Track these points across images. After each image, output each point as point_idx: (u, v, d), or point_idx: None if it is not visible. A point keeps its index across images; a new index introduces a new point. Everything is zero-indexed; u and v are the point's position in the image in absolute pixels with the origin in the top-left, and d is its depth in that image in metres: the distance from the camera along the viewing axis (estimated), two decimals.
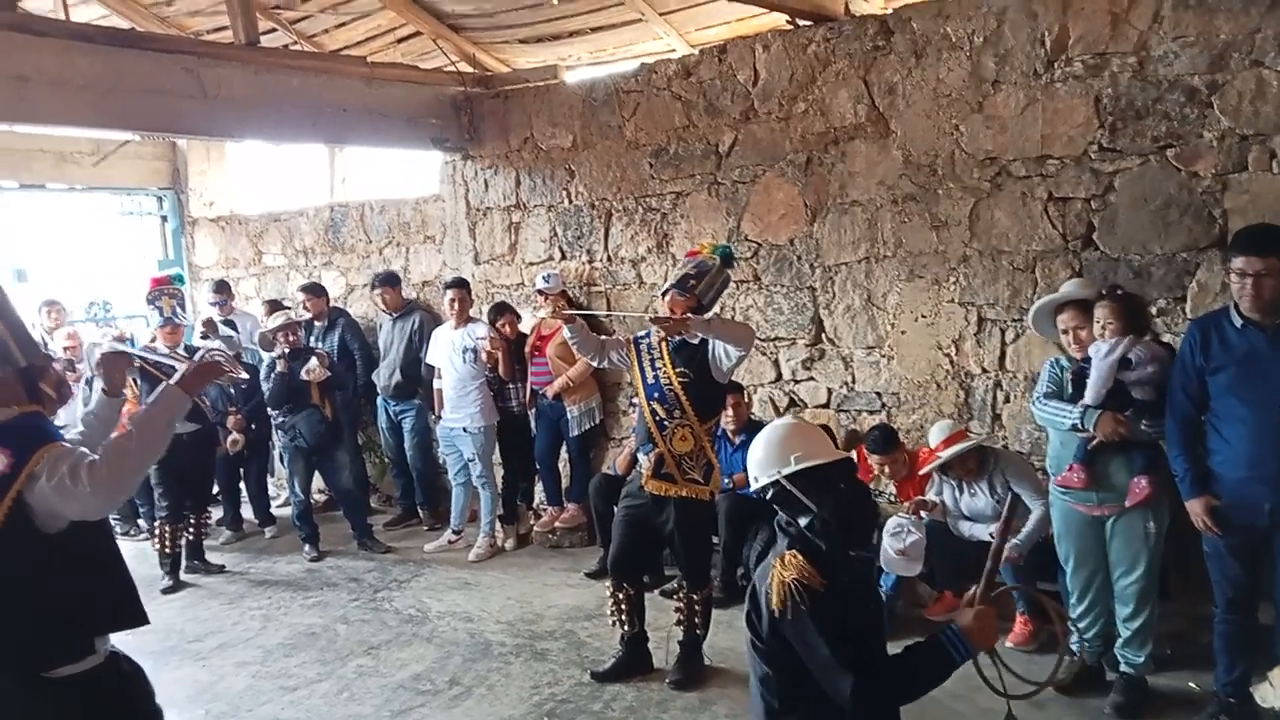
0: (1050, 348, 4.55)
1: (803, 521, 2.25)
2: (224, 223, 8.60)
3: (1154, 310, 4.16)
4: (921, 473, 4.66)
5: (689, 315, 3.96)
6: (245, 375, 5.96)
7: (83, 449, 2.34)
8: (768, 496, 2.34)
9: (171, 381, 2.43)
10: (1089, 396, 3.68)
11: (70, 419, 3.86)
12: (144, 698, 2.52)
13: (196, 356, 2.62)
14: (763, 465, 2.35)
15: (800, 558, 2.17)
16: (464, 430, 6.14)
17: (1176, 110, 4.17)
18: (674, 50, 6.06)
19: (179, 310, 5.94)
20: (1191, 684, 3.84)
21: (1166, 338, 4.10)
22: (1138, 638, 3.72)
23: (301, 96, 5.72)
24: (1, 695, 2.36)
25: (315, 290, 7.09)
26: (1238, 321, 3.30)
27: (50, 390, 2.48)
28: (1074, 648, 3.91)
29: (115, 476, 2.24)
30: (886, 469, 4.76)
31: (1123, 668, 3.77)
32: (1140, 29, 4.21)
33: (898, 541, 3.97)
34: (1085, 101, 4.38)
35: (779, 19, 5.48)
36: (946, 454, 4.40)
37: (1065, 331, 3.84)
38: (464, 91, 6.54)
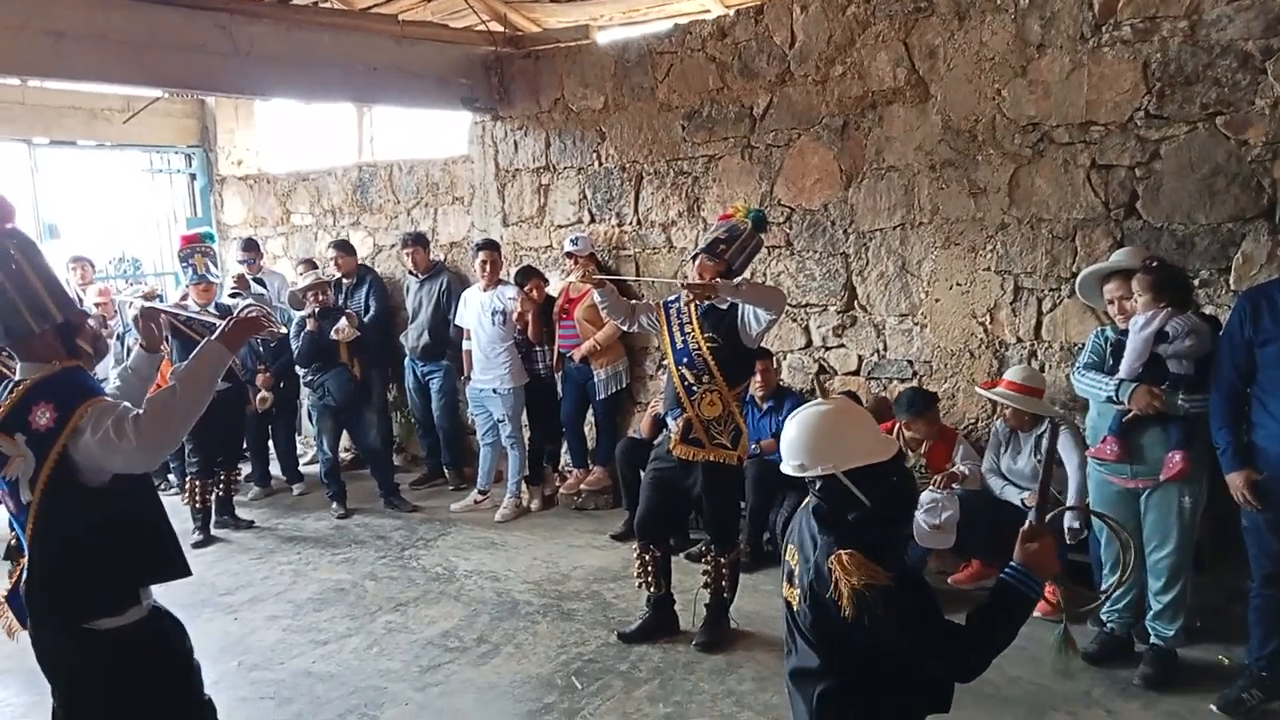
0: (1088, 319, 4.51)
1: (851, 515, 2.16)
2: (252, 181, 8.60)
3: (1196, 282, 4.09)
4: (977, 391, 4.65)
5: (717, 280, 3.93)
6: (284, 330, 6.05)
7: (126, 403, 2.35)
8: (816, 487, 2.23)
9: (213, 337, 2.43)
10: (1123, 369, 3.64)
11: (103, 374, 3.89)
12: (184, 651, 2.55)
13: (236, 313, 2.61)
14: (812, 455, 2.21)
15: (860, 556, 2.06)
16: (493, 391, 6.16)
17: (1228, 77, 4.07)
18: (708, 10, 5.99)
19: (211, 268, 5.97)
20: (1222, 657, 3.82)
21: (1208, 309, 4.03)
22: (1169, 611, 3.70)
23: (332, 55, 5.68)
24: (48, 647, 2.41)
25: (346, 248, 7.13)
26: None
27: (87, 345, 2.48)
28: (1103, 618, 3.90)
29: (160, 430, 2.25)
30: (913, 432, 4.69)
31: (1153, 639, 3.75)
32: None
33: (932, 517, 3.95)
34: (1133, 67, 4.28)
35: None
36: (997, 393, 4.34)
37: (1111, 301, 3.79)
38: (494, 51, 6.49)
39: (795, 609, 2.26)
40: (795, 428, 2.27)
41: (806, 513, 2.30)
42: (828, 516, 2.20)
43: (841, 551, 2.08)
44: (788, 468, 2.28)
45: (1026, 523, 2.20)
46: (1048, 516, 2.23)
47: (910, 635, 2.07)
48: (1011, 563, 2.13)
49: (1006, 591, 2.11)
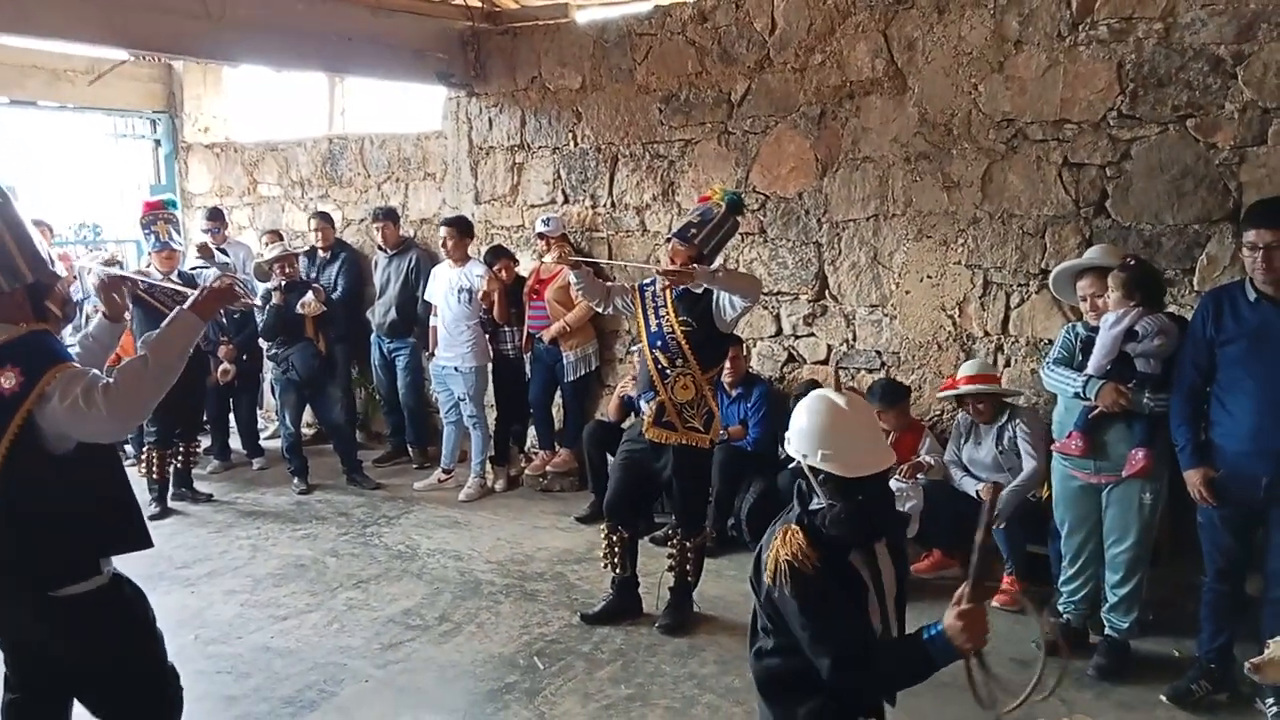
0: (1054, 314, 4.57)
1: (813, 505, 2.21)
2: (219, 150, 8.44)
3: None
4: (940, 396, 4.71)
5: (694, 266, 3.93)
6: (259, 301, 5.95)
7: (95, 371, 2.29)
8: (791, 465, 2.29)
9: (184, 307, 2.37)
10: (1091, 366, 3.69)
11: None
12: (146, 620, 2.51)
13: (209, 281, 2.55)
14: (798, 436, 2.24)
15: (801, 535, 2.13)
16: (455, 370, 6.11)
17: (1199, 80, 4.13)
18: None
19: (174, 235, 5.85)
20: (1174, 650, 3.90)
21: (1172, 308, 4.09)
22: (1124, 603, 3.77)
23: (307, 22, 5.58)
24: (9, 613, 2.36)
25: (327, 219, 7.06)
26: (1251, 295, 3.30)
27: (56, 309, 2.42)
28: (1060, 609, 3.97)
29: (131, 400, 2.20)
30: (884, 423, 4.73)
31: (1107, 631, 3.82)
32: None
33: (896, 505, 3.98)
34: (1108, 66, 4.33)
35: None
36: (966, 388, 4.43)
37: (1084, 298, 3.84)
38: (471, 26, 6.41)
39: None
40: (799, 406, 2.31)
41: None
42: (798, 492, 2.26)
43: (793, 526, 2.16)
44: (785, 444, 2.34)
45: (960, 588, 2.09)
46: (984, 582, 2.13)
47: (806, 623, 2.11)
48: (936, 624, 2.06)
49: (916, 646, 2.08)
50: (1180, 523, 3.91)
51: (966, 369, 4.56)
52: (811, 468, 2.19)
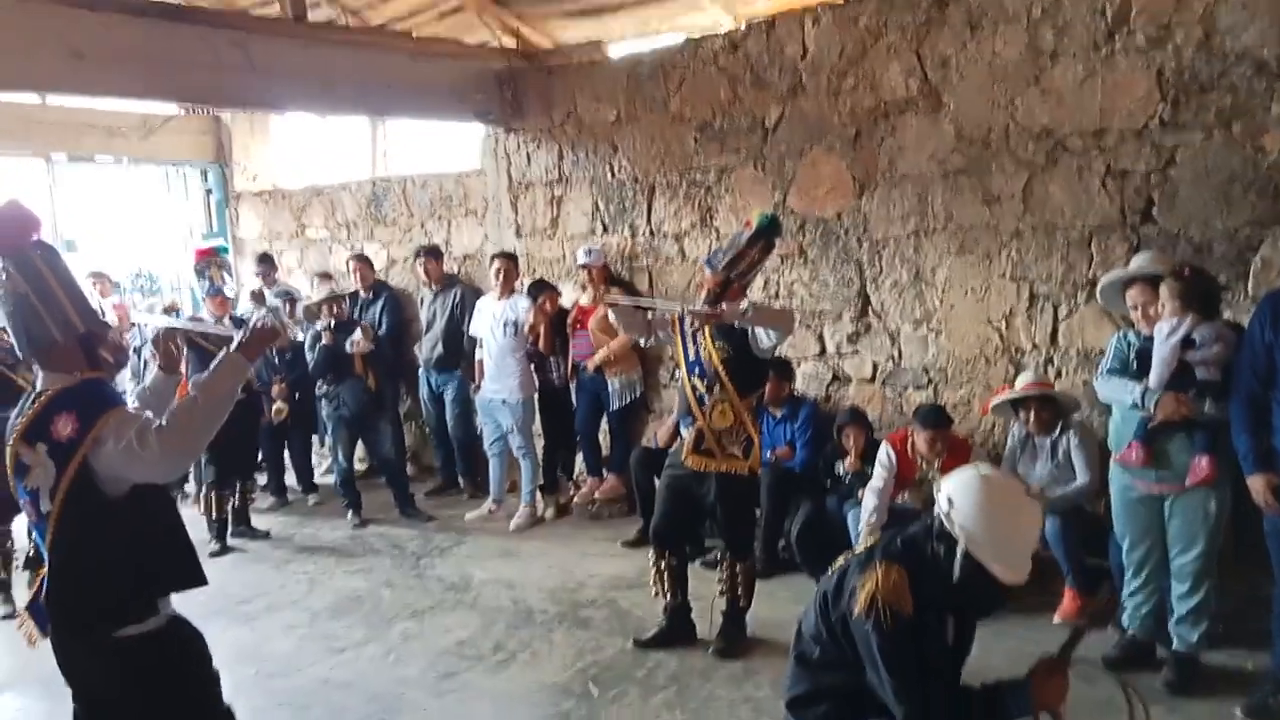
0: (1104, 325, 4.51)
1: (941, 554, 2.19)
2: (267, 196, 8.67)
3: None
4: (994, 402, 4.61)
5: (722, 307, 3.94)
6: (301, 337, 6.09)
7: (148, 413, 2.36)
8: (935, 525, 2.24)
9: (231, 348, 2.45)
10: (1152, 380, 3.61)
11: (120, 388, 3.91)
12: (203, 659, 2.55)
13: (254, 322, 2.63)
14: (963, 517, 2.18)
15: (904, 577, 2.12)
16: (502, 402, 6.17)
17: (1243, 84, 4.08)
18: (720, 24, 6.02)
19: (227, 280, 6.03)
20: (1248, 664, 3.78)
21: (1226, 314, 4.01)
22: (1191, 616, 3.67)
23: (347, 70, 5.74)
24: (68, 655, 2.42)
25: (365, 260, 7.22)
26: None
27: (109, 356, 2.50)
28: (1125, 623, 3.88)
29: (182, 440, 2.27)
30: (936, 445, 4.68)
31: (1175, 645, 3.72)
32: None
33: None
34: (1147, 74, 4.30)
35: None
36: (1020, 391, 4.37)
37: (1134, 307, 3.78)
38: (508, 66, 6.55)
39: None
40: (988, 486, 2.24)
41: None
42: (917, 542, 2.23)
43: (894, 565, 2.14)
44: (942, 504, 2.25)
45: (1055, 656, 2.24)
46: (1070, 655, 2.26)
47: (884, 662, 2.11)
48: (1022, 679, 2.17)
49: (998, 694, 2.15)
50: (1243, 531, 3.81)
51: (1025, 378, 4.51)
52: (966, 552, 2.15)
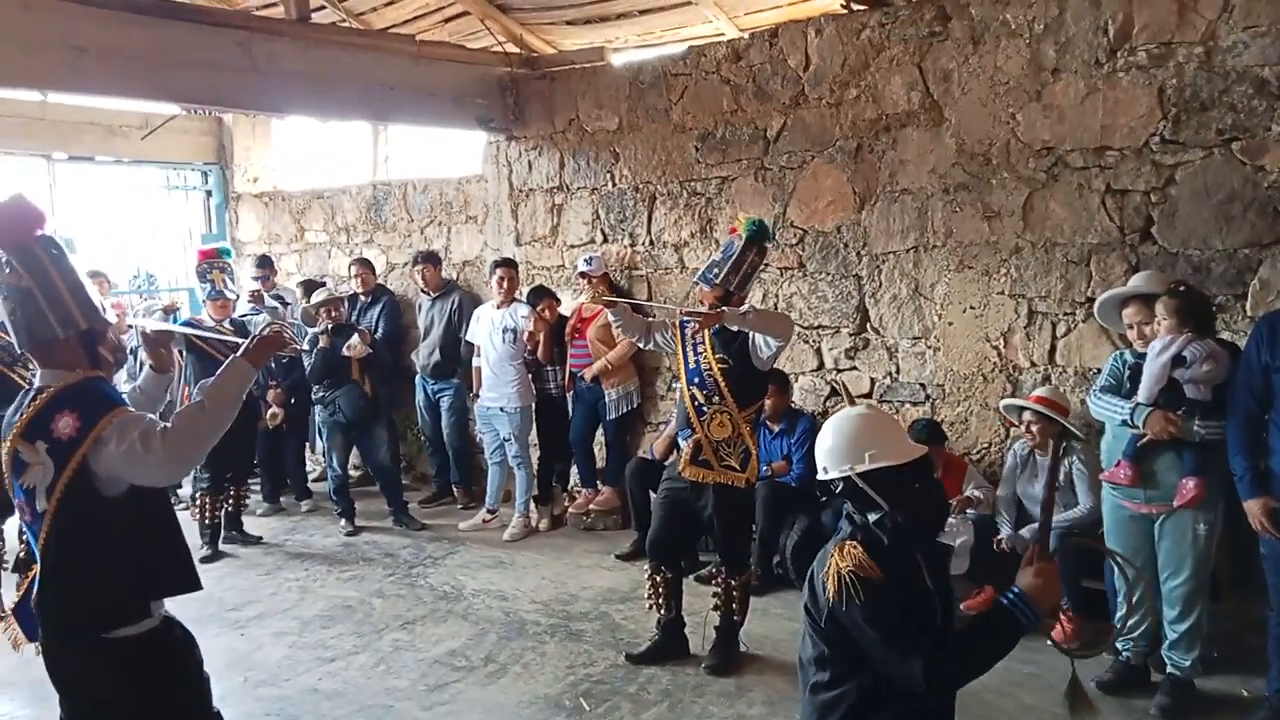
0: (1103, 343, 4.49)
1: (872, 517, 2.19)
2: (267, 199, 8.66)
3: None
4: (1003, 403, 4.63)
5: (723, 309, 3.92)
6: (306, 347, 6.07)
7: (152, 416, 2.35)
8: (837, 490, 2.24)
9: (237, 355, 2.44)
10: (1141, 394, 3.61)
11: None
12: (195, 663, 2.53)
13: (257, 330, 2.62)
14: (833, 457, 2.24)
15: (859, 548, 2.10)
16: (500, 410, 6.15)
17: (1244, 103, 4.07)
18: (723, 34, 6.01)
19: (229, 283, 6.00)
20: (1243, 690, 3.76)
21: (1225, 335, 4.00)
22: (1184, 640, 3.65)
23: (350, 73, 5.73)
24: (58, 658, 2.39)
25: (367, 264, 7.20)
26: None
27: (109, 354, 2.49)
28: (1119, 647, 3.85)
29: (187, 444, 2.25)
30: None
31: (1169, 669, 3.70)
32: (1209, 18, 4.11)
33: (947, 540, 3.92)
34: (1148, 92, 4.28)
35: (832, 3, 5.42)
36: (1033, 404, 4.34)
37: (1130, 326, 3.77)
38: (510, 72, 6.53)
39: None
40: (822, 433, 2.33)
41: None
42: (851, 517, 2.23)
43: (847, 542, 2.15)
44: (820, 477, 2.32)
45: (1030, 547, 2.20)
46: (1052, 550, 2.22)
47: (879, 631, 2.06)
48: (1013, 587, 2.11)
49: (1000, 614, 2.10)
50: (1240, 554, 3.78)
51: (1041, 392, 4.46)
52: (862, 475, 2.17)
